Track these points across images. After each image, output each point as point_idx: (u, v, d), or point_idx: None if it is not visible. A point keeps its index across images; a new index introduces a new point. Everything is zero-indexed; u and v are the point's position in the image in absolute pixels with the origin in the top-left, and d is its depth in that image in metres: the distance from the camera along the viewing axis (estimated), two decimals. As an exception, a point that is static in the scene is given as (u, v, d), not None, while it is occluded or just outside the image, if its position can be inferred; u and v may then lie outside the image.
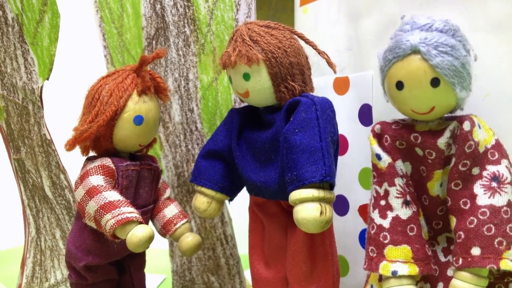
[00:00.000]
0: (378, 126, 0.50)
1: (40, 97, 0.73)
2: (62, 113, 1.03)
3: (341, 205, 0.68)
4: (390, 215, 0.47)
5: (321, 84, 0.67)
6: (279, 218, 0.56)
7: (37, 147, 0.74)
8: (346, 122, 0.65)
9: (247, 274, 0.79)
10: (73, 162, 0.73)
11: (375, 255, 0.48)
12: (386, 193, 0.48)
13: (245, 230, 0.62)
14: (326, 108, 0.50)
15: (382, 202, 0.48)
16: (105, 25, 0.74)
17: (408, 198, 0.48)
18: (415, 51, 0.43)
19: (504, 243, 0.43)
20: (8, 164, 0.76)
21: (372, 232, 0.48)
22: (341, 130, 0.60)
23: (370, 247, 0.48)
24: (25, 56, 0.72)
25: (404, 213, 0.47)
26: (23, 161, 0.74)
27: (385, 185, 0.48)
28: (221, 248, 0.78)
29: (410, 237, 0.47)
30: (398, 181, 0.48)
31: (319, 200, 0.46)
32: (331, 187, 0.49)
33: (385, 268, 0.46)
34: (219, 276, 0.79)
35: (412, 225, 0.47)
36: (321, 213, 0.46)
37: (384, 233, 0.47)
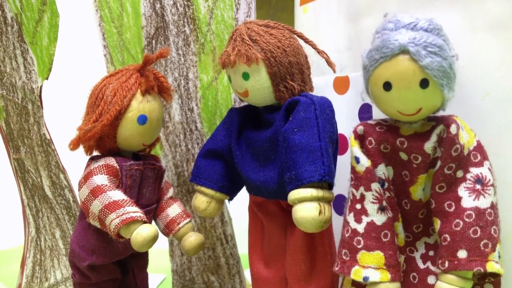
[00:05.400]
0: (361, 128, 0.48)
1: (40, 96, 0.73)
2: (61, 113, 1.03)
3: (340, 205, 0.67)
4: (365, 220, 0.46)
5: (321, 84, 0.67)
6: (279, 218, 0.56)
7: (37, 147, 0.74)
8: (346, 122, 0.65)
9: (247, 274, 0.79)
10: (73, 162, 0.73)
11: (348, 258, 0.47)
12: (362, 197, 0.47)
13: (245, 229, 0.62)
14: (325, 108, 0.50)
15: (358, 206, 0.47)
16: (105, 24, 0.74)
17: (384, 203, 0.47)
18: (403, 51, 0.42)
19: (490, 245, 0.43)
20: (8, 164, 0.76)
21: (347, 235, 0.47)
22: (341, 129, 0.59)
23: (344, 250, 0.47)
24: (24, 55, 0.72)
25: (379, 219, 0.46)
26: (23, 161, 0.74)
27: (361, 189, 0.47)
28: (221, 248, 0.78)
29: (384, 243, 0.46)
30: (374, 186, 0.46)
31: (318, 199, 0.46)
32: (330, 186, 0.49)
33: (356, 273, 0.46)
34: (219, 275, 0.79)
35: (386, 231, 0.46)
36: (320, 212, 0.46)
37: (358, 237, 0.46)
